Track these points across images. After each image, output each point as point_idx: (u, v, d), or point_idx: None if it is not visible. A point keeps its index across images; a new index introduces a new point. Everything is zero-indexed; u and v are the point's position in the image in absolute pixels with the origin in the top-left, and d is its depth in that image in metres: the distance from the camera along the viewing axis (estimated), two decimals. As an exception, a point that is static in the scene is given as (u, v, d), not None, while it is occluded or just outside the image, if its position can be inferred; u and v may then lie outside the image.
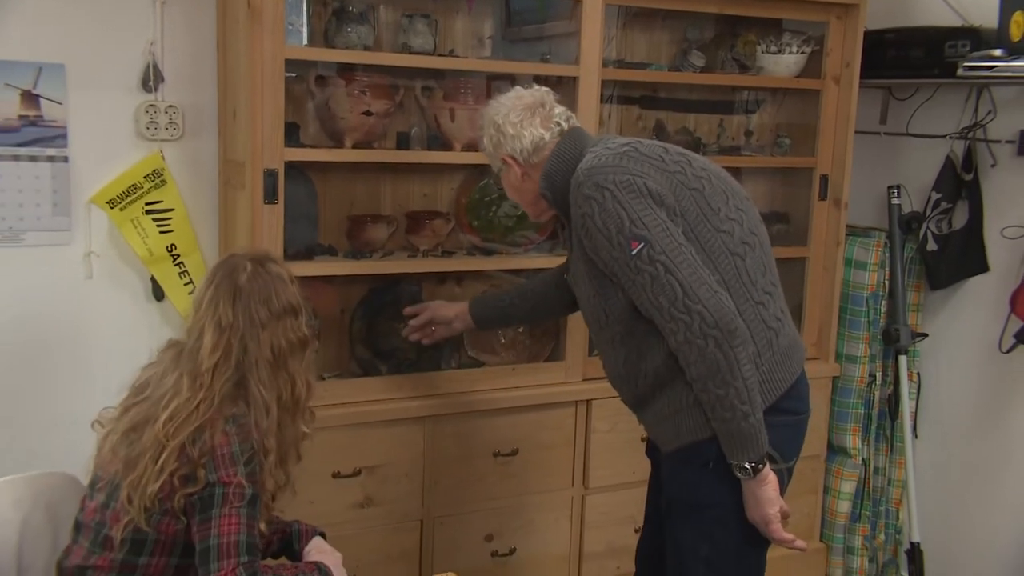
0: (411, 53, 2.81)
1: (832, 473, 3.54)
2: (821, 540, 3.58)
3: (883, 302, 3.45)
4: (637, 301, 1.98)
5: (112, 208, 2.78)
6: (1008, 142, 3.18)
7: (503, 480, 2.97)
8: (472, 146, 2.91)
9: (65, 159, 2.73)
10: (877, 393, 3.50)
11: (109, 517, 1.85)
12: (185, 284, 2.89)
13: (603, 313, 2.09)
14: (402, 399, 2.82)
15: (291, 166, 2.65)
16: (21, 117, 2.66)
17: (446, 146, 2.92)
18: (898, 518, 3.62)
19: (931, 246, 3.37)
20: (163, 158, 2.83)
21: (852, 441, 3.48)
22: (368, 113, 2.76)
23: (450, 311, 2.64)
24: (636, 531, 2.97)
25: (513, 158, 2.16)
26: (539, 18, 3.12)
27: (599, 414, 3.05)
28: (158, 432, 1.80)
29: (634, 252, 1.92)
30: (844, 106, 3.31)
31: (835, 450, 3.54)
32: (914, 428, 3.49)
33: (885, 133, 3.59)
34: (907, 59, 3.27)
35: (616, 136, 2.17)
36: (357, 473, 2.76)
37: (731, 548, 2.10)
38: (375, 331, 3.05)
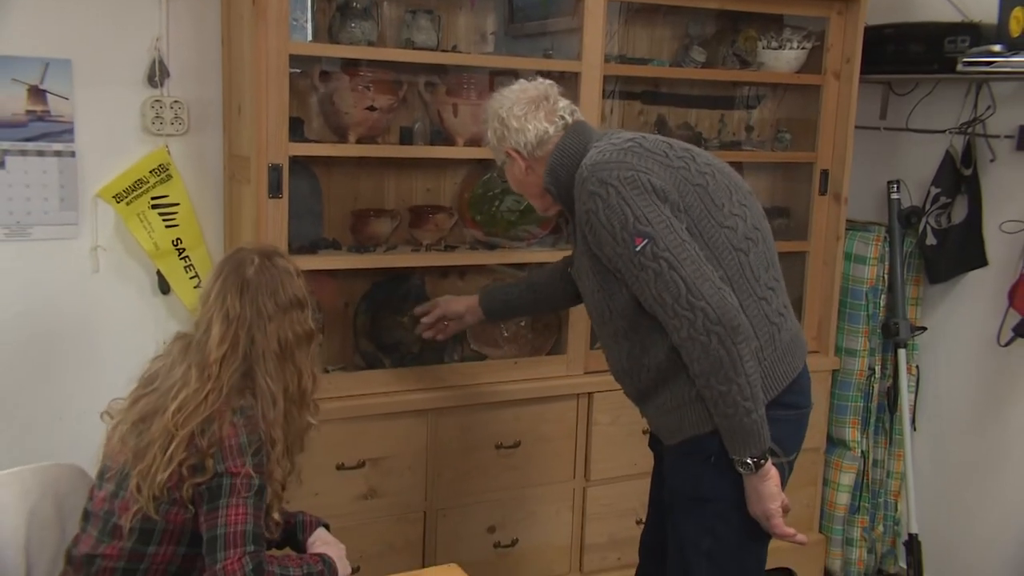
0: (414, 49, 2.82)
1: (831, 465, 3.54)
2: (820, 532, 3.59)
3: (882, 296, 3.46)
4: (641, 297, 1.98)
5: (118, 202, 2.79)
6: (1007, 137, 3.18)
7: (505, 472, 2.98)
8: (475, 141, 2.92)
9: (72, 154, 2.74)
10: (876, 386, 3.50)
11: (118, 506, 1.86)
12: (191, 278, 2.90)
13: (606, 308, 2.09)
14: (405, 392, 2.83)
15: (295, 161, 2.66)
16: (28, 112, 2.67)
17: (449, 141, 2.93)
18: (896, 510, 3.63)
19: (930, 240, 3.37)
20: (169, 153, 2.84)
21: (851, 434, 3.49)
22: (372, 108, 2.77)
23: (460, 305, 2.64)
24: (638, 523, 2.98)
25: (517, 151, 2.15)
26: (542, 14, 3.12)
27: (601, 407, 3.06)
28: (167, 422, 1.82)
29: (638, 248, 1.92)
30: (844, 101, 3.31)
31: (834, 443, 3.54)
32: (913, 421, 3.49)
33: (885, 128, 3.59)
34: (907, 54, 3.27)
35: (620, 131, 2.17)
36: (361, 465, 2.77)
37: (732, 542, 2.10)
38: (379, 325, 3.06)
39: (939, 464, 3.48)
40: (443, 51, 2.93)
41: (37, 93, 2.67)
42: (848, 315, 3.47)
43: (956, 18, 3.21)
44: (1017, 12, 2.86)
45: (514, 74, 3.05)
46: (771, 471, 1.99)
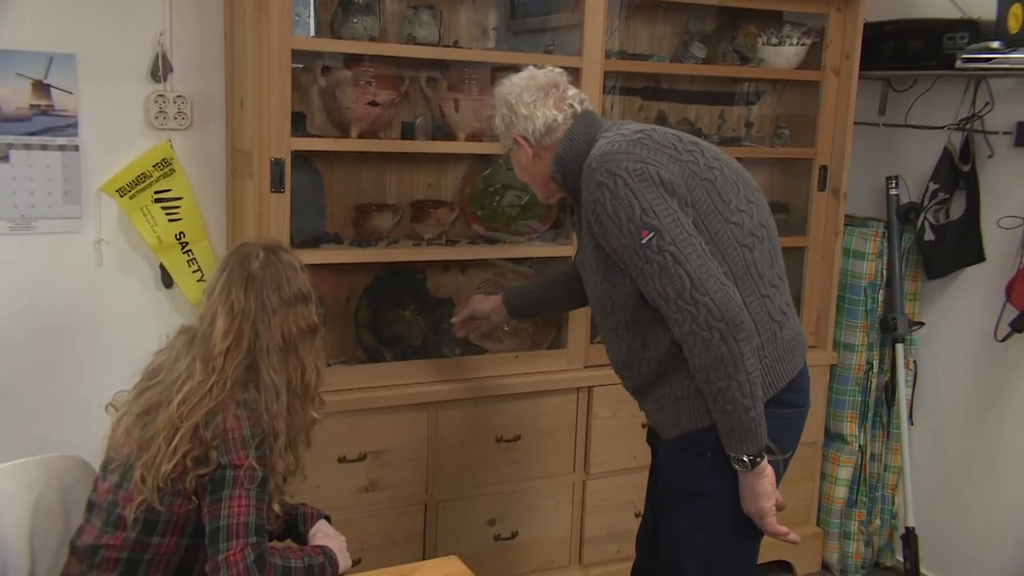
0: (416, 44, 2.82)
1: (829, 459, 3.55)
2: (818, 525, 3.60)
3: (881, 291, 3.46)
4: (644, 290, 1.97)
5: (122, 196, 2.80)
6: (1005, 133, 3.18)
7: (506, 465, 2.99)
8: (476, 136, 2.92)
9: (76, 148, 2.74)
10: (874, 381, 3.51)
11: (122, 497, 1.87)
12: (193, 271, 2.90)
13: (609, 300, 2.07)
14: (407, 385, 2.83)
15: (298, 155, 2.66)
16: (32, 106, 2.67)
17: (450, 136, 2.93)
18: (893, 503, 3.63)
19: (928, 236, 3.37)
20: (172, 147, 2.84)
21: (849, 428, 3.49)
22: (374, 103, 2.77)
23: (487, 305, 2.64)
24: (636, 515, 2.99)
25: (525, 138, 2.13)
26: (543, 10, 3.12)
27: (600, 401, 3.06)
28: (172, 414, 1.82)
29: (644, 241, 1.90)
30: (843, 97, 3.31)
31: (832, 437, 3.55)
32: (910, 415, 3.50)
33: (884, 124, 3.59)
34: (906, 51, 3.27)
35: (629, 122, 2.15)
36: (362, 458, 2.78)
37: (726, 537, 2.09)
38: (380, 318, 3.06)
39: (936, 458, 3.49)
40: (445, 46, 2.93)
41: (41, 87, 2.67)
42: (846, 310, 3.48)
43: (955, 15, 3.21)
44: (1015, 9, 2.86)
45: (515, 69, 3.06)
46: (767, 469, 1.98)
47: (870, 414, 3.53)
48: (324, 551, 1.95)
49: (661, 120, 3.39)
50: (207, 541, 1.79)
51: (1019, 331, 3.07)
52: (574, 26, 2.93)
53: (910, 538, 3.34)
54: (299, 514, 2.11)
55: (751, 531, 2.07)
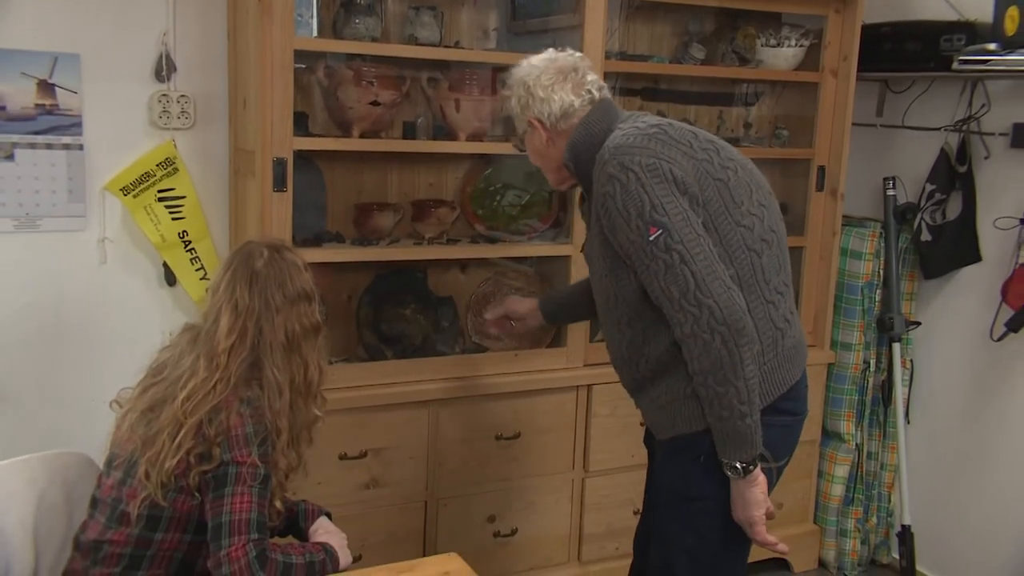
0: (417, 45, 2.82)
1: (826, 457, 3.55)
2: (815, 522, 3.60)
3: (878, 291, 3.46)
4: (648, 287, 1.92)
5: (126, 195, 2.80)
6: (1001, 135, 3.18)
7: (505, 463, 2.99)
8: (477, 136, 2.92)
9: (80, 147, 2.74)
10: (871, 380, 3.51)
11: (126, 493, 1.87)
12: (196, 270, 2.90)
13: (613, 294, 2.03)
14: (407, 383, 2.84)
15: (300, 155, 2.66)
16: (37, 106, 2.67)
17: (451, 136, 2.93)
18: (890, 501, 3.63)
19: (925, 236, 3.37)
20: (175, 146, 2.84)
21: (846, 426, 3.49)
22: (375, 103, 2.77)
23: (523, 307, 2.58)
24: (635, 513, 2.99)
25: (540, 121, 2.08)
26: (543, 11, 3.12)
27: (600, 399, 3.06)
28: (176, 410, 1.83)
29: (651, 238, 1.86)
30: (841, 98, 3.31)
31: (829, 435, 3.55)
32: (907, 414, 3.50)
33: (881, 125, 3.59)
34: (903, 53, 3.27)
35: (647, 114, 2.09)
36: (363, 455, 2.78)
37: (716, 542, 2.05)
38: (381, 317, 3.06)
39: (932, 457, 3.49)
40: (446, 47, 2.93)
41: (46, 87, 2.67)
42: (844, 309, 3.48)
43: (952, 17, 3.21)
44: (1012, 11, 2.86)
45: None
46: (759, 477, 1.94)
47: (867, 413, 3.53)
48: (325, 548, 1.95)
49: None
50: (209, 537, 1.79)
51: (1015, 331, 3.07)
52: (574, 27, 2.93)
53: (906, 536, 3.34)
54: (300, 511, 2.11)
55: (742, 537, 2.03)
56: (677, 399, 1.99)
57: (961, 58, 2.99)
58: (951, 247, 3.32)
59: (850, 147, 3.36)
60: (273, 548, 1.82)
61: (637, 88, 3.40)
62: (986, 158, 3.23)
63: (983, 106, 3.22)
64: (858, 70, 3.29)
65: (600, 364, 2.98)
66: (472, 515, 2.98)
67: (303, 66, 2.77)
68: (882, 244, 3.41)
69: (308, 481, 2.22)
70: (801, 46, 3.29)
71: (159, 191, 2.83)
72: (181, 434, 1.81)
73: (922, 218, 3.36)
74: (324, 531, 2.07)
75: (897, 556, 3.45)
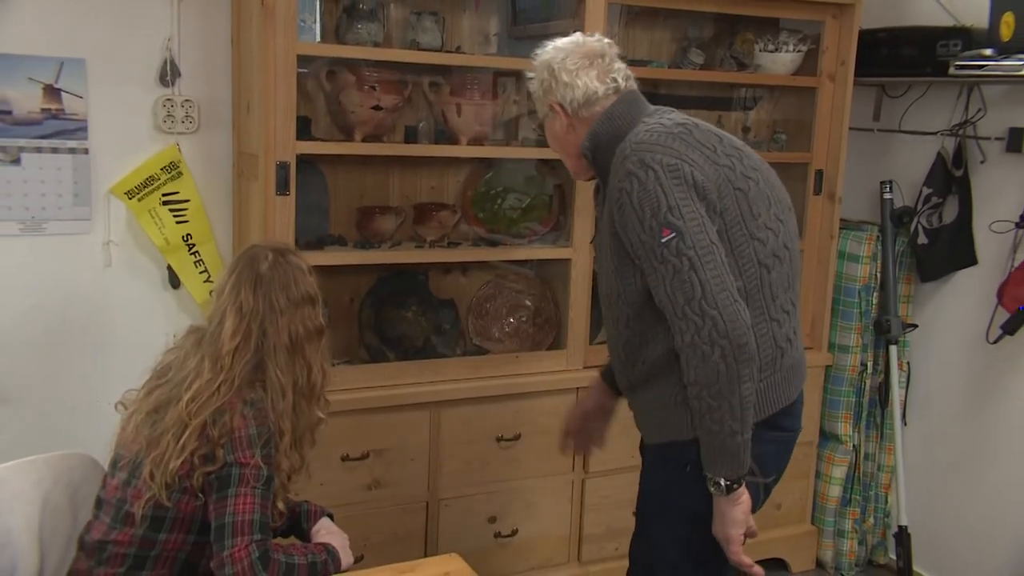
0: (419, 50, 2.82)
1: (824, 459, 3.55)
2: (812, 523, 3.60)
3: (875, 294, 3.46)
4: (653, 290, 1.85)
5: (130, 199, 2.80)
6: (997, 139, 3.18)
7: (506, 464, 2.99)
8: (478, 140, 2.93)
9: (85, 151, 2.74)
10: (868, 382, 3.51)
11: (131, 494, 1.87)
12: (200, 272, 2.90)
13: (616, 291, 1.97)
14: (409, 385, 2.83)
15: (303, 159, 2.66)
16: (43, 110, 2.67)
17: (453, 140, 2.93)
18: (887, 502, 3.63)
19: (922, 240, 3.37)
20: (179, 150, 2.84)
21: (843, 428, 3.49)
22: (377, 108, 2.77)
23: (588, 399, 2.38)
24: (634, 514, 2.98)
25: (561, 106, 2.00)
26: (544, 16, 3.12)
27: (599, 400, 3.06)
28: (181, 412, 1.83)
29: (663, 240, 1.79)
30: (839, 103, 3.31)
31: (827, 436, 3.55)
32: (903, 415, 3.49)
33: (878, 130, 3.59)
34: (900, 58, 3.27)
35: (673, 111, 2.02)
36: (365, 456, 2.78)
37: (699, 552, 1.98)
38: (383, 319, 3.06)
39: (929, 458, 3.49)
40: (447, 52, 2.93)
41: (52, 92, 2.68)
42: (841, 312, 3.48)
43: (948, 22, 3.21)
44: (1007, 17, 2.86)
45: (516, 75, 3.07)
46: (743, 496, 1.88)
47: (864, 414, 3.53)
48: (327, 548, 1.95)
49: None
50: (212, 537, 1.79)
51: (1011, 333, 3.07)
52: (574, 32, 2.93)
53: (903, 536, 3.34)
54: (302, 511, 2.11)
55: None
56: (668, 405, 1.95)
57: (957, 63, 2.99)
58: (948, 250, 3.32)
59: (847, 151, 3.37)
60: (276, 549, 1.82)
61: (636, 93, 3.39)
62: (982, 162, 3.23)
63: (979, 111, 3.22)
64: (855, 75, 3.29)
65: (600, 366, 2.97)
66: (473, 516, 2.98)
67: (306, 71, 2.76)
68: (879, 247, 3.41)
69: (311, 482, 2.23)
70: (799, 51, 3.29)
71: (163, 195, 2.83)
72: (185, 435, 1.81)
73: (919, 222, 3.36)
74: (326, 532, 2.07)
75: (894, 557, 3.45)
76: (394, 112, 2.84)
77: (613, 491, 3.15)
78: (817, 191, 3.38)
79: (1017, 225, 3.09)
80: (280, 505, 1.93)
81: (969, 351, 3.32)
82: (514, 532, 3.04)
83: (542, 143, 3.15)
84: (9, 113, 2.63)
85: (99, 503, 1.95)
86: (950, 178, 3.30)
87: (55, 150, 2.71)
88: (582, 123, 2.01)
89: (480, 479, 2.96)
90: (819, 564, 3.62)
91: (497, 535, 3.02)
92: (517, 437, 2.98)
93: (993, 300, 3.15)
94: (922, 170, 3.38)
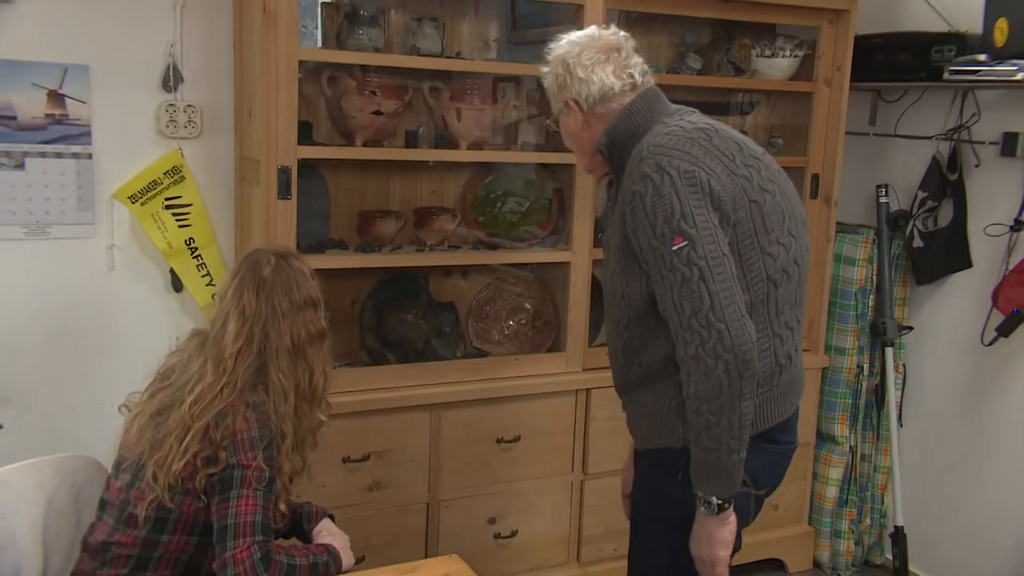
0: (419, 55, 2.82)
1: (821, 460, 3.55)
2: (809, 524, 3.60)
3: (871, 296, 3.46)
4: (659, 297, 1.79)
5: (133, 203, 2.80)
6: (991, 143, 3.18)
7: (506, 465, 2.99)
8: (478, 145, 2.93)
9: (89, 156, 2.75)
10: (864, 383, 3.51)
11: (134, 496, 1.87)
12: (203, 276, 2.90)
13: (620, 292, 1.91)
14: (409, 387, 2.83)
15: (304, 163, 2.66)
16: (47, 116, 2.67)
17: (453, 145, 2.93)
18: (883, 503, 3.63)
19: (917, 243, 3.38)
20: (182, 155, 2.84)
21: (840, 429, 3.49)
22: (378, 112, 2.77)
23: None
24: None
25: (577, 102, 1.94)
26: (543, 22, 3.12)
27: (598, 403, 3.06)
28: (184, 414, 1.83)
29: (675, 248, 1.73)
30: (835, 108, 3.32)
31: (824, 438, 3.55)
32: (899, 417, 3.50)
33: (874, 134, 3.60)
34: (895, 63, 3.28)
35: (695, 112, 1.96)
36: (366, 458, 2.78)
37: (690, 560, 1.90)
38: (384, 322, 3.06)
39: (924, 459, 3.49)
40: (447, 57, 2.94)
41: (56, 97, 2.68)
42: (838, 315, 3.48)
43: (943, 28, 3.21)
44: (1001, 23, 2.87)
45: (516, 80, 3.07)
46: (731, 516, 1.82)
47: (860, 416, 3.53)
48: (328, 549, 1.95)
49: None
50: (215, 539, 1.79)
51: (1005, 335, 3.08)
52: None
53: (899, 537, 3.34)
54: (304, 512, 2.11)
55: None
56: (660, 411, 1.91)
57: (952, 68, 2.99)
58: (943, 253, 3.33)
59: (843, 155, 3.37)
60: (277, 550, 1.82)
61: (635, 98, 3.39)
62: (976, 166, 3.24)
63: (973, 115, 3.23)
64: (851, 80, 3.29)
65: (598, 369, 2.98)
66: (473, 517, 2.98)
67: (307, 76, 2.76)
68: (875, 250, 3.42)
69: (312, 484, 2.23)
70: (795, 57, 3.29)
71: (166, 199, 2.83)
72: (188, 437, 1.81)
73: (914, 225, 3.37)
74: (327, 533, 2.07)
75: (890, 557, 3.45)
76: (395, 117, 2.84)
77: (612, 492, 3.13)
78: (814, 195, 3.38)
79: (1011, 228, 3.10)
80: (282, 507, 1.93)
81: (964, 353, 3.32)
82: (514, 533, 3.04)
83: (541, 147, 3.16)
84: (14, 118, 2.64)
85: (102, 505, 1.95)
86: (945, 182, 3.30)
87: (59, 155, 2.71)
88: (598, 119, 1.95)
89: (480, 480, 2.96)
90: (816, 564, 3.61)
91: (497, 536, 3.02)
92: (517, 439, 2.98)
93: (988, 302, 3.15)
94: (917, 174, 3.38)
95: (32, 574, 1.95)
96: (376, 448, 2.79)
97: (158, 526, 1.86)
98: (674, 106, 1.98)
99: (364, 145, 2.80)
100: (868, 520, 3.62)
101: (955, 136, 3.27)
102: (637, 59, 1.97)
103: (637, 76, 1.95)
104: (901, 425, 3.51)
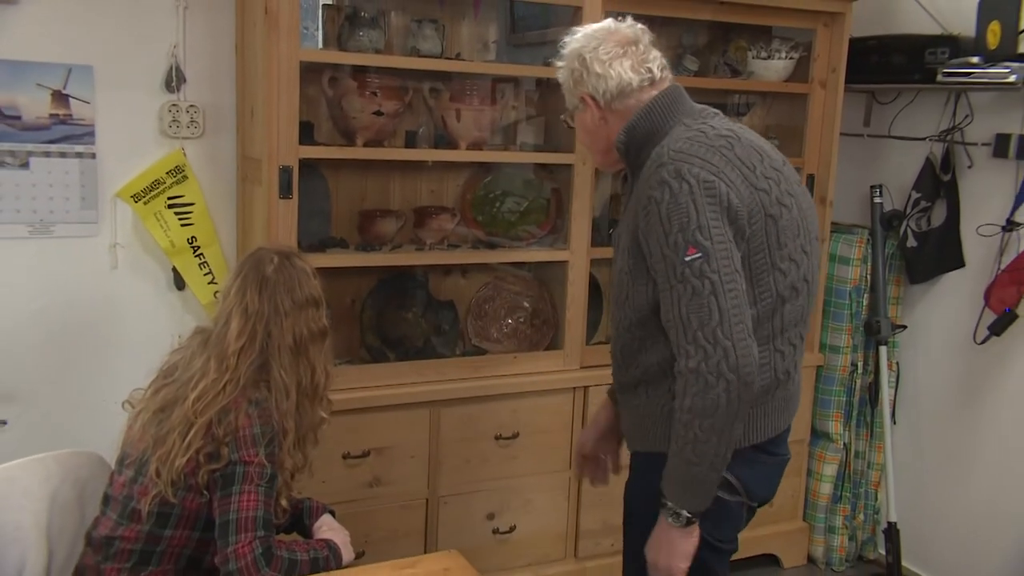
0: (420, 56, 2.82)
1: (815, 457, 3.55)
2: (804, 520, 3.60)
3: (865, 295, 3.46)
4: (664, 305, 1.73)
5: (136, 202, 2.80)
6: (984, 144, 3.18)
7: (504, 462, 2.99)
8: (477, 145, 2.93)
9: (93, 155, 2.75)
10: (858, 381, 3.51)
11: (137, 491, 1.88)
12: (205, 274, 2.90)
13: (626, 293, 1.86)
14: (409, 385, 2.84)
15: (305, 163, 2.66)
16: (52, 116, 2.67)
17: (452, 145, 2.94)
18: (877, 499, 3.64)
19: (911, 242, 3.38)
20: (185, 155, 2.84)
21: (834, 426, 3.50)
22: (378, 113, 2.77)
23: (601, 421, 2.21)
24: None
25: (593, 99, 1.87)
26: (542, 24, 3.13)
27: (596, 400, 3.06)
28: (187, 411, 1.83)
29: (688, 258, 1.67)
30: (830, 109, 3.32)
31: (818, 435, 3.56)
32: (893, 414, 3.50)
33: (868, 135, 3.60)
34: (890, 65, 3.28)
35: (719, 115, 1.89)
36: (366, 455, 2.78)
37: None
38: (384, 320, 3.07)
39: (917, 456, 3.49)
40: (447, 59, 2.94)
41: (60, 97, 2.68)
42: (832, 313, 3.48)
43: (936, 31, 3.22)
44: (994, 26, 2.87)
45: (515, 81, 3.07)
46: (696, 531, 1.78)
47: (854, 413, 3.54)
48: (328, 544, 1.95)
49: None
50: (217, 534, 1.79)
51: (997, 334, 3.08)
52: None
53: (892, 532, 3.35)
54: (305, 508, 2.11)
55: (711, 561, 1.88)
56: (652, 415, 1.88)
57: (945, 71, 3.00)
58: (936, 253, 3.33)
59: (838, 156, 3.37)
60: (279, 545, 1.83)
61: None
62: (969, 167, 3.24)
63: (966, 117, 3.23)
64: (846, 82, 3.29)
65: (596, 366, 2.99)
66: (472, 513, 2.98)
67: (306, 75, 2.77)
68: (869, 250, 3.42)
69: (313, 479, 2.23)
70: (791, 58, 3.29)
71: (169, 198, 2.83)
72: (191, 433, 1.81)
73: (908, 225, 3.37)
74: (328, 528, 2.07)
75: (883, 552, 3.46)
76: (395, 117, 2.85)
77: (609, 489, 3.11)
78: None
79: (1003, 228, 3.10)
80: (283, 502, 1.93)
81: (957, 351, 3.33)
82: (512, 528, 3.05)
83: (540, 148, 3.16)
84: (18, 118, 2.64)
85: (106, 500, 1.95)
86: (938, 182, 3.31)
87: (63, 154, 2.71)
88: (615, 115, 1.88)
89: (479, 477, 2.96)
90: (810, 560, 3.62)
91: (495, 531, 3.02)
92: (515, 436, 2.98)
93: (980, 302, 3.15)
94: (911, 175, 3.38)
95: (36, 568, 1.95)
96: (376, 444, 2.79)
97: (161, 521, 1.86)
98: (698, 106, 1.91)
99: (365, 145, 2.80)
100: (862, 516, 3.63)
101: (948, 137, 3.28)
102: (655, 53, 1.90)
103: (656, 70, 1.87)
104: (894, 422, 3.52)
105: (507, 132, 3.16)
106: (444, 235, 2.97)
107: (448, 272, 3.18)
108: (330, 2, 2.89)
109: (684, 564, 1.78)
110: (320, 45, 2.85)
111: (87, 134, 2.73)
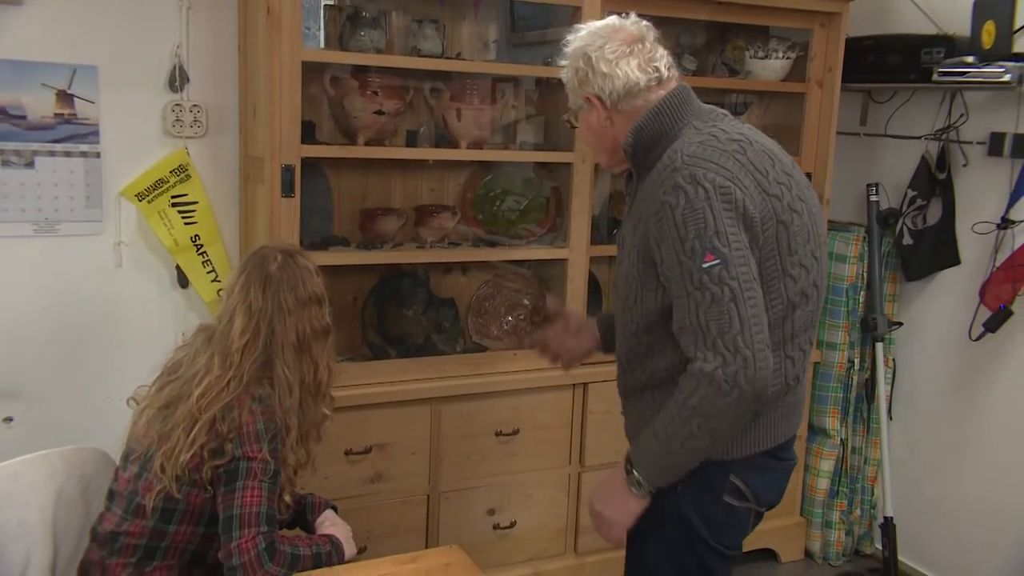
0: (420, 56, 2.82)
1: (812, 452, 3.56)
2: (801, 515, 3.60)
3: (861, 293, 3.46)
4: (679, 312, 1.67)
5: (140, 201, 2.80)
6: (979, 143, 3.18)
7: (504, 458, 2.99)
8: (477, 144, 2.93)
9: (97, 155, 2.75)
10: (855, 378, 3.51)
11: (142, 487, 1.88)
12: (208, 272, 2.90)
13: (633, 298, 1.81)
14: (410, 381, 2.84)
15: (307, 162, 2.66)
16: (56, 115, 2.67)
17: (453, 144, 2.93)
18: (873, 494, 3.64)
19: (907, 240, 3.38)
20: (188, 154, 2.84)
21: (831, 422, 3.50)
22: (380, 112, 2.77)
23: (574, 323, 2.22)
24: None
25: (599, 99, 1.81)
26: (542, 24, 3.12)
27: (595, 397, 3.07)
28: (191, 407, 1.83)
29: (705, 265, 1.61)
30: (826, 108, 3.32)
31: (815, 431, 3.56)
32: (889, 410, 3.50)
33: (865, 134, 3.60)
34: (886, 65, 3.28)
35: (728, 117, 1.83)
36: (368, 451, 2.78)
37: (691, 571, 1.87)
38: (385, 317, 3.07)
39: (913, 452, 3.49)
40: (447, 58, 2.94)
41: (65, 97, 2.68)
42: (829, 311, 3.48)
43: (932, 31, 3.22)
44: (988, 25, 2.87)
45: (515, 80, 3.07)
46: (644, 502, 1.80)
47: (851, 409, 3.54)
48: (331, 539, 1.96)
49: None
50: (220, 529, 1.79)
51: (992, 331, 3.08)
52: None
53: (888, 527, 3.35)
54: (307, 503, 2.12)
55: (716, 567, 1.87)
56: None
57: (940, 70, 3.00)
58: (931, 251, 3.33)
59: (835, 155, 3.37)
60: (282, 540, 1.83)
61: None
62: (964, 166, 3.24)
63: (961, 116, 3.23)
64: (842, 81, 3.29)
65: (595, 363, 2.98)
66: (472, 508, 2.98)
67: (308, 75, 2.77)
68: (866, 248, 3.42)
69: (315, 475, 2.23)
70: (788, 58, 3.29)
71: (172, 197, 2.83)
72: (195, 430, 1.81)
73: (904, 223, 3.37)
74: (330, 523, 2.08)
75: (880, 547, 3.45)
76: (396, 117, 2.84)
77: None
78: (805, 193, 3.38)
79: (998, 226, 3.10)
80: (286, 498, 1.93)
81: (952, 348, 3.33)
82: (512, 524, 3.05)
83: (540, 147, 3.16)
84: (23, 118, 2.64)
85: (111, 495, 1.96)
86: (934, 181, 3.30)
87: (68, 154, 2.71)
88: (621, 116, 1.82)
89: (479, 473, 2.96)
90: (807, 554, 3.62)
91: (496, 527, 3.03)
92: (515, 432, 2.99)
93: (975, 299, 3.15)
94: (907, 173, 3.38)
95: (42, 564, 1.95)
96: (378, 441, 2.79)
97: (165, 516, 1.86)
98: (706, 107, 1.86)
99: (366, 144, 2.80)
100: (858, 511, 3.63)
101: (944, 136, 3.27)
102: (662, 51, 1.83)
103: (663, 69, 1.81)
104: (891, 418, 3.52)
105: (507, 131, 3.16)
106: (445, 233, 2.97)
107: (449, 270, 3.18)
108: (332, 2, 2.88)
109: (629, 523, 1.81)
110: (322, 45, 2.85)
111: (91, 133, 2.73)
